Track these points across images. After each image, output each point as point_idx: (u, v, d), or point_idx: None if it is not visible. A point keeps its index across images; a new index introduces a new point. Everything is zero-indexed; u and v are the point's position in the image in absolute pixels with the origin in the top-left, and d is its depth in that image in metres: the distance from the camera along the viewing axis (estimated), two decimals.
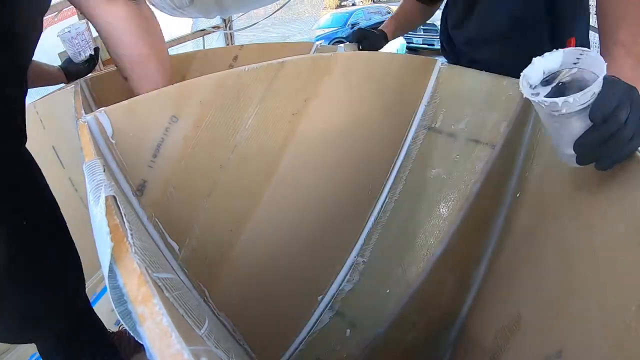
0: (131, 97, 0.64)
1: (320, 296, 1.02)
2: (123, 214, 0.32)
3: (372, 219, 1.06)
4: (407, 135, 1.03)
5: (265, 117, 0.80)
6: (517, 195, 0.85)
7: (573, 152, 0.50)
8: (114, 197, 0.34)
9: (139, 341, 0.26)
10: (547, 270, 0.62)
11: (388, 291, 1.00)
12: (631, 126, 0.47)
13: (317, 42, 1.41)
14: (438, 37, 1.23)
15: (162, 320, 0.24)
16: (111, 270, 0.28)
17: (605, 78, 0.45)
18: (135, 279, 0.27)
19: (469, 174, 0.95)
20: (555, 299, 0.56)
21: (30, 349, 1.42)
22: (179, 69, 1.22)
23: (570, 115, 0.47)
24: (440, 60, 1.01)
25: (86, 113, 0.59)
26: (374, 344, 0.94)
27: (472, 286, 0.91)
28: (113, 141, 0.61)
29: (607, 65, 0.47)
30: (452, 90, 0.97)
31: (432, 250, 0.98)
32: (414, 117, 1.03)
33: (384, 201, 1.06)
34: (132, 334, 0.27)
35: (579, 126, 0.48)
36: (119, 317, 0.28)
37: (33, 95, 1.28)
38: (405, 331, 0.95)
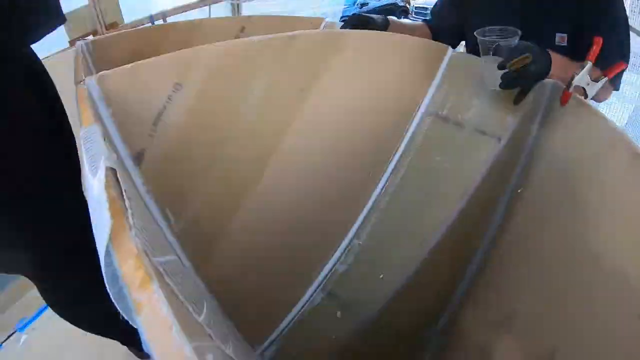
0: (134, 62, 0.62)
1: (314, 275, 1.02)
2: (124, 190, 0.30)
3: (371, 201, 1.05)
4: (412, 120, 1.01)
5: (271, 91, 0.78)
6: (519, 190, 0.84)
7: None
8: (114, 169, 0.32)
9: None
10: (545, 268, 0.61)
11: (382, 276, 0.99)
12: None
13: (327, 19, 1.37)
14: None
15: (161, 309, 0.23)
16: (107, 249, 0.27)
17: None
18: (133, 261, 0.25)
19: (472, 164, 0.93)
20: (552, 299, 0.55)
21: (19, 313, 1.45)
22: (184, 37, 1.18)
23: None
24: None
25: (86, 77, 0.57)
26: (364, 327, 0.94)
27: (466, 277, 0.90)
28: (111, 108, 0.58)
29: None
30: (462, 78, 0.95)
31: (429, 238, 0.97)
32: (421, 103, 1.01)
33: (385, 185, 1.05)
34: (126, 318, 0.25)
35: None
36: (112, 299, 0.26)
37: None
38: (396, 317, 0.95)
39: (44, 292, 0.94)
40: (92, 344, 1.26)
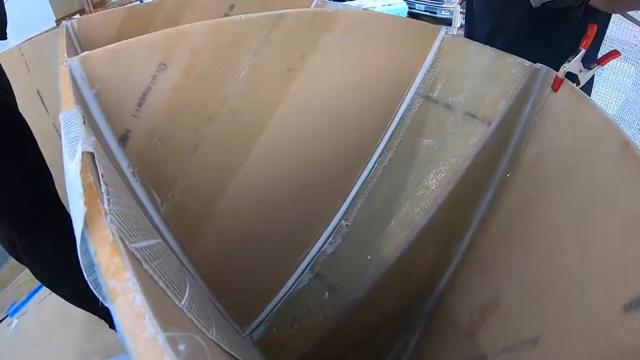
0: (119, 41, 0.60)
1: (302, 256, 1.02)
2: (100, 175, 0.30)
3: (359, 183, 1.05)
4: (402, 102, 1.01)
5: (259, 71, 0.77)
6: (508, 175, 0.84)
7: None
8: (91, 154, 0.32)
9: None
10: (531, 255, 0.62)
11: (369, 257, 1.00)
12: None
13: None
14: (441, 5, 1.17)
15: (135, 297, 0.23)
16: (83, 236, 0.26)
17: None
18: (108, 249, 0.25)
19: (462, 148, 0.93)
20: (538, 286, 0.56)
21: (10, 297, 1.44)
22: (172, 15, 1.15)
23: None
24: (445, 29, 0.97)
25: (70, 57, 0.55)
26: (351, 308, 0.95)
27: (452, 260, 0.91)
28: (94, 90, 0.57)
29: None
30: (454, 61, 0.94)
31: (417, 220, 0.97)
32: (412, 84, 1.00)
33: (373, 166, 1.05)
34: (106, 305, 0.25)
35: None
36: (91, 286, 0.26)
37: (18, 38, 1.23)
38: (383, 298, 0.96)
39: (30, 257, 0.95)
40: (83, 327, 1.27)
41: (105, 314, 1.11)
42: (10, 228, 0.89)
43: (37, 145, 0.92)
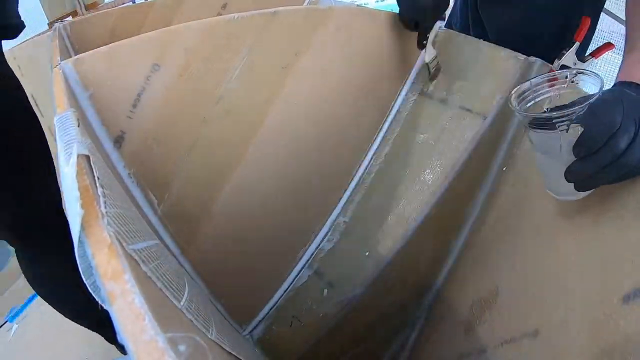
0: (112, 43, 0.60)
1: (300, 254, 1.03)
2: (96, 177, 0.30)
3: (355, 179, 1.05)
4: (397, 97, 1.01)
5: (253, 69, 0.76)
6: (504, 169, 0.85)
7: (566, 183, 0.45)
8: (87, 156, 0.32)
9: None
10: (529, 248, 0.62)
11: (367, 253, 1.00)
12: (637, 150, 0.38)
13: None
14: None
15: (134, 299, 0.23)
16: (80, 239, 0.26)
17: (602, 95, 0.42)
18: (106, 251, 0.25)
19: (457, 142, 0.93)
20: (536, 279, 0.56)
21: (10, 302, 1.44)
22: (165, 15, 1.15)
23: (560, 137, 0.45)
24: (439, 24, 0.97)
25: (63, 59, 0.55)
26: (350, 305, 0.95)
27: (450, 255, 0.91)
28: (88, 92, 0.57)
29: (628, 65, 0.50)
30: (448, 56, 0.94)
31: (414, 215, 0.98)
32: (406, 80, 1.00)
33: (369, 162, 1.05)
34: (106, 308, 0.25)
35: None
36: (89, 290, 0.26)
37: (11, 42, 1.23)
38: (382, 294, 0.96)
39: (23, 263, 0.93)
40: (83, 332, 1.26)
41: (102, 330, 1.09)
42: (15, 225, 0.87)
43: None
